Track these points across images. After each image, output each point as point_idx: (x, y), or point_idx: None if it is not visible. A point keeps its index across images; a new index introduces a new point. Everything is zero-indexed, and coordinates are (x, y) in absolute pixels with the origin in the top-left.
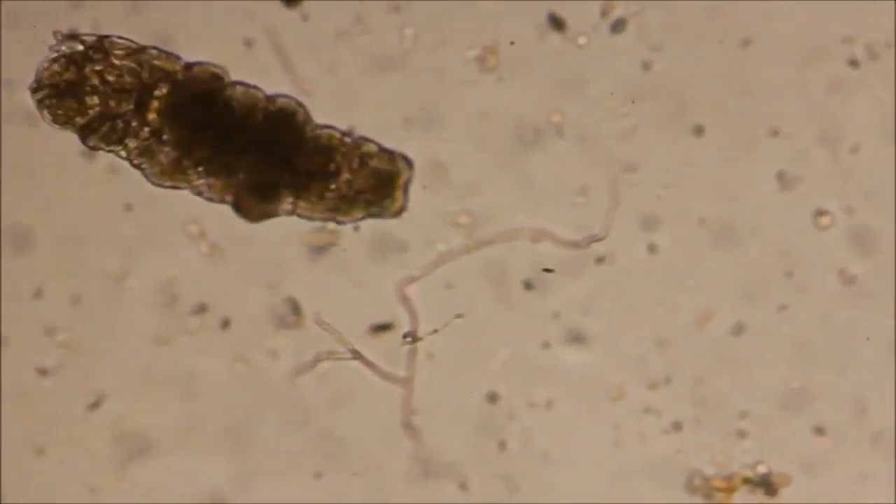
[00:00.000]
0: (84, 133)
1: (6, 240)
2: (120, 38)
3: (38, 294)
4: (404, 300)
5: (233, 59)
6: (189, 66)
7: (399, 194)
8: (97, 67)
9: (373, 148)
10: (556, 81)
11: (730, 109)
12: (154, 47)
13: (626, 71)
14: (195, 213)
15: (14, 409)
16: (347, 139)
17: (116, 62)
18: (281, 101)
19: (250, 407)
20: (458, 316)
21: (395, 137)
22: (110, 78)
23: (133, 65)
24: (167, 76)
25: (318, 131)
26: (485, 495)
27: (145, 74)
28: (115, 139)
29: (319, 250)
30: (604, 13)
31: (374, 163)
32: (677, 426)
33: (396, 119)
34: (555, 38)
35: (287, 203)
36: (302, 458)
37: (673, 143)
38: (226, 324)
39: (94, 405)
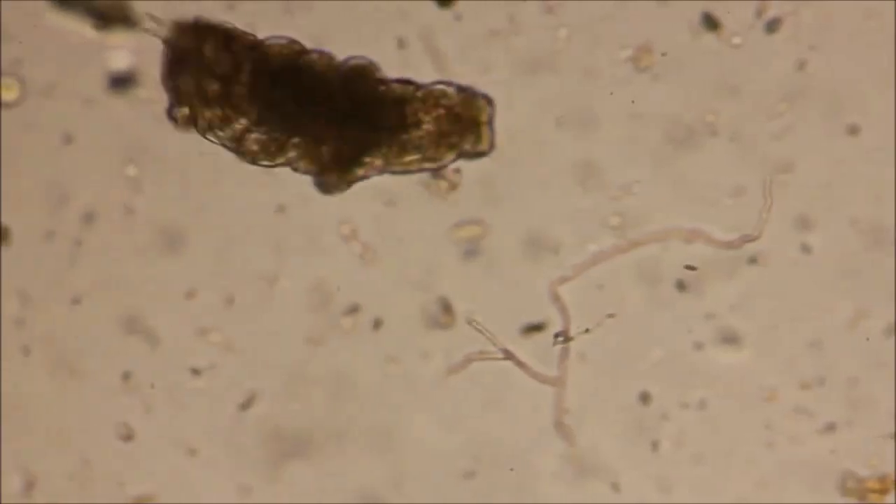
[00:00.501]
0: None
1: (160, 241)
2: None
3: (191, 295)
4: (556, 300)
5: (386, 58)
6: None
7: (485, 130)
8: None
9: (449, 90)
10: (710, 81)
11: (885, 108)
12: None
13: (780, 70)
14: (347, 214)
15: (167, 409)
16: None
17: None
18: (352, 62)
19: (402, 407)
20: (610, 316)
21: (548, 138)
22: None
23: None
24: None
25: (392, 85)
26: (637, 495)
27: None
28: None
29: (471, 251)
30: (759, 13)
31: (452, 104)
32: (830, 427)
33: (549, 119)
34: (709, 37)
35: (377, 161)
36: (453, 458)
37: (827, 142)
38: (378, 324)
39: (246, 405)
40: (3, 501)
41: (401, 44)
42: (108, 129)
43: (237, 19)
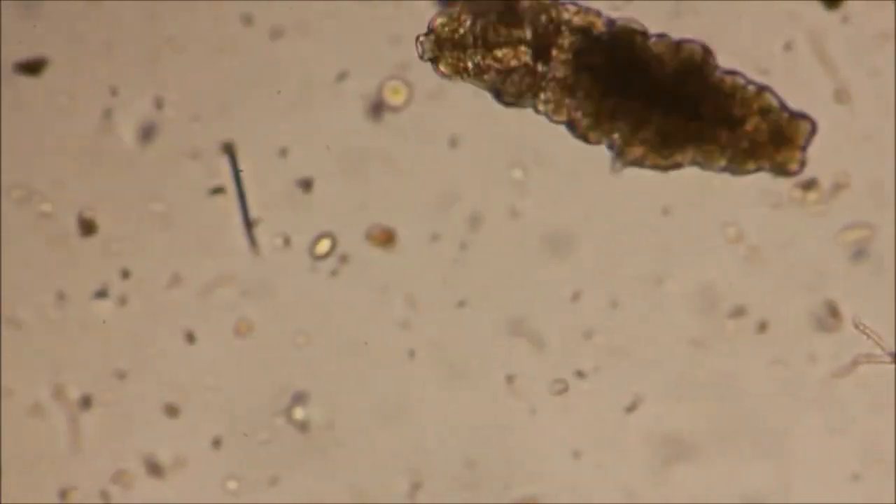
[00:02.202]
0: (496, 91)
1: (545, 244)
2: None
3: (576, 297)
4: None
5: (772, 61)
6: (611, 22)
7: (797, 153)
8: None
9: (774, 102)
10: None
11: None
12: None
13: None
14: (733, 216)
15: (552, 412)
16: (751, 86)
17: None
18: (686, 49)
19: (788, 410)
20: None
21: None
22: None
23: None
24: (580, 28)
25: (724, 77)
26: None
27: (543, 25)
28: (526, 93)
29: (859, 254)
30: None
31: (775, 116)
32: None
33: None
34: None
35: (689, 152)
36: (840, 461)
37: None
38: (763, 327)
39: (632, 408)
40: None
41: (787, 47)
42: (494, 132)
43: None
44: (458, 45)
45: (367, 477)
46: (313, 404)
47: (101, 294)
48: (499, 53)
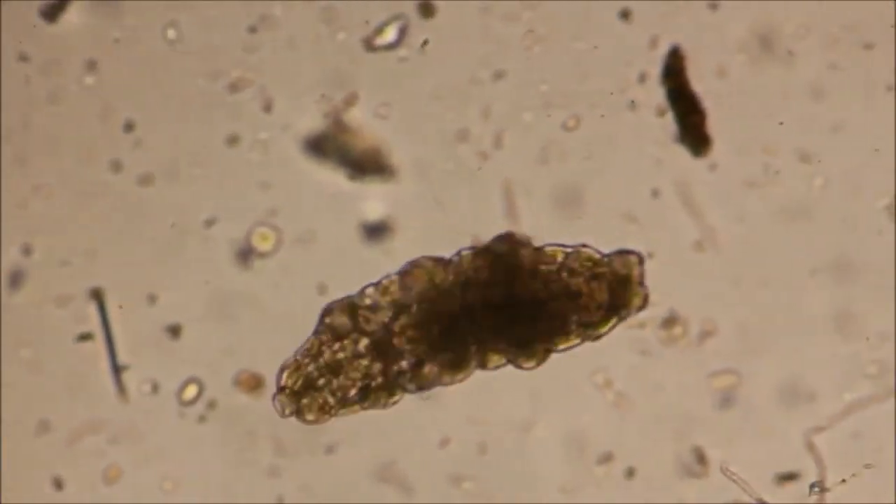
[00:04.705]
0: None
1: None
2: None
3: (444, 443)
4: (812, 450)
5: (639, 208)
6: (404, 275)
7: (638, 289)
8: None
9: (594, 254)
10: None
11: None
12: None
13: None
14: (601, 363)
15: None
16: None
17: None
18: (492, 257)
19: None
20: (868, 466)
21: (804, 286)
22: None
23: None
24: (397, 306)
25: (539, 264)
26: None
27: (375, 321)
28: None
29: (727, 400)
30: None
31: (603, 270)
32: None
33: (804, 269)
34: None
35: (542, 350)
36: None
37: None
38: (631, 473)
39: None
40: None
41: (654, 194)
42: (363, 279)
43: None
44: (310, 386)
45: None
46: None
47: None
48: (349, 371)
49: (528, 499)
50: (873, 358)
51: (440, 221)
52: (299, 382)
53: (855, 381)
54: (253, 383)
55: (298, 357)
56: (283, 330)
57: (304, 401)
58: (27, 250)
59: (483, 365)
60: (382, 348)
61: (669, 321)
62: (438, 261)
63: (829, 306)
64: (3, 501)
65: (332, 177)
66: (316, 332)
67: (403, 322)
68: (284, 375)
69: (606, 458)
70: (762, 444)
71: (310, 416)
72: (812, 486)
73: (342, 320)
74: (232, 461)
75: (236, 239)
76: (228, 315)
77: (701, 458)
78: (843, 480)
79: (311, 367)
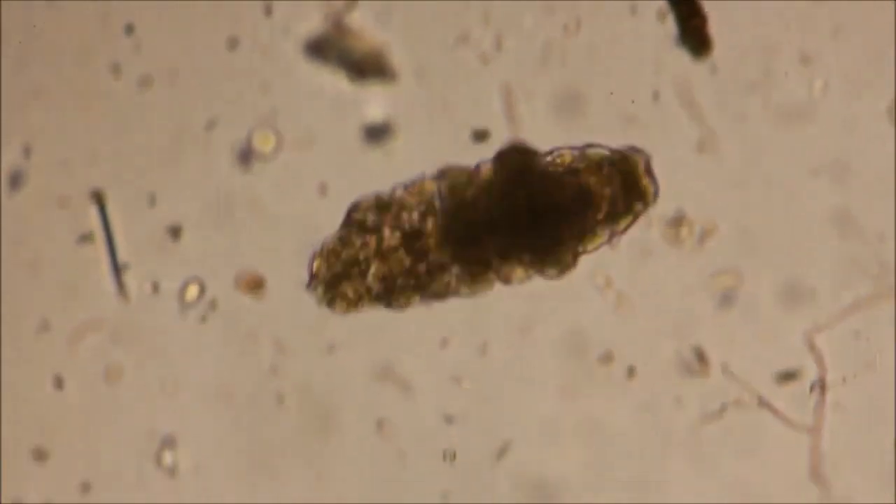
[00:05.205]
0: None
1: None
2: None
3: (444, 342)
4: (812, 349)
5: (640, 110)
6: (440, 177)
7: (647, 183)
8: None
9: (602, 152)
10: None
11: None
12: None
13: None
14: (601, 262)
15: (419, 457)
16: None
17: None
18: (505, 162)
19: (656, 454)
20: (868, 365)
21: (804, 187)
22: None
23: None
24: (426, 203)
25: (549, 168)
26: None
27: (406, 216)
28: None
29: (727, 300)
30: None
31: (615, 166)
32: None
33: (804, 170)
34: None
35: (576, 251)
36: None
37: None
38: (631, 372)
39: (501, 453)
40: None
41: (655, 96)
42: (362, 182)
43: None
44: (339, 277)
45: None
46: (182, 449)
47: None
48: (374, 266)
49: (528, 399)
50: (874, 257)
51: (441, 123)
52: (330, 272)
53: (855, 281)
54: (253, 284)
55: (326, 247)
56: (283, 231)
57: (334, 292)
58: (27, 151)
59: (507, 279)
60: (408, 247)
61: (675, 221)
62: (464, 170)
63: (829, 207)
64: (3, 399)
65: (332, 79)
66: (343, 227)
67: (429, 227)
68: (315, 263)
69: (607, 358)
70: (762, 343)
71: (341, 308)
72: (812, 385)
73: (369, 216)
74: (232, 361)
75: (237, 141)
76: (229, 217)
77: (701, 358)
78: (844, 380)
79: (338, 259)
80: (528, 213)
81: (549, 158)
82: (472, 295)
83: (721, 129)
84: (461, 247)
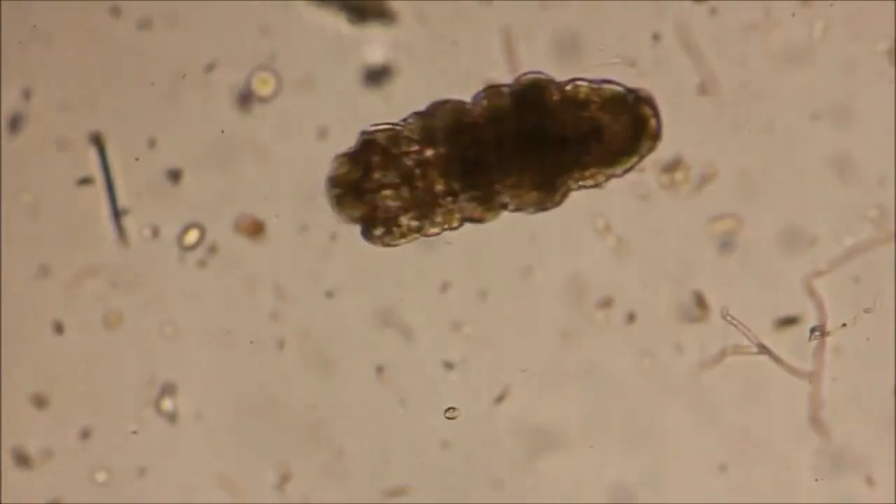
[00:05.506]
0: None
1: (415, 242)
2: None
3: (444, 288)
4: (812, 294)
5: (640, 53)
6: (435, 108)
7: (655, 125)
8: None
9: (618, 89)
10: None
11: None
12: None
13: None
14: (601, 208)
15: (419, 404)
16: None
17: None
18: (523, 87)
19: (656, 400)
20: (867, 310)
21: (804, 131)
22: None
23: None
24: (429, 136)
25: (564, 94)
26: (892, 491)
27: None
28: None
29: (726, 245)
30: None
31: (624, 107)
32: None
33: (804, 114)
34: None
35: (574, 181)
36: (707, 452)
37: None
38: (631, 317)
39: (500, 399)
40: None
41: (655, 37)
42: (362, 123)
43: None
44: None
45: (235, 467)
46: (182, 395)
47: None
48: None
49: (529, 344)
50: (874, 202)
51: (440, 65)
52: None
53: (855, 225)
54: (253, 228)
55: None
56: (283, 174)
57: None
58: (27, 94)
59: (504, 205)
60: (424, 171)
61: (672, 164)
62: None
63: (830, 151)
64: (2, 345)
65: (332, 21)
66: (355, 153)
67: (436, 152)
68: (336, 164)
69: (606, 303)
70: (762, 288)
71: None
72: (812, 330)
73: (381, 142)
74: (232, 305)
75: (236, 83)
76: (229, 161)
77: (701, 303)
78: (844, 325)
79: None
80: (537, 136)
81: (567, 87)
82: (484, 220)
83: (721, 72)
84: (466, 172)
